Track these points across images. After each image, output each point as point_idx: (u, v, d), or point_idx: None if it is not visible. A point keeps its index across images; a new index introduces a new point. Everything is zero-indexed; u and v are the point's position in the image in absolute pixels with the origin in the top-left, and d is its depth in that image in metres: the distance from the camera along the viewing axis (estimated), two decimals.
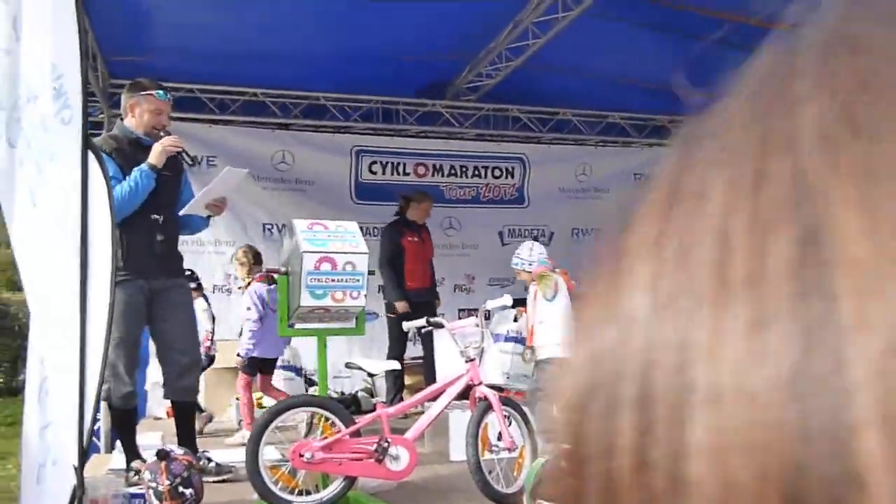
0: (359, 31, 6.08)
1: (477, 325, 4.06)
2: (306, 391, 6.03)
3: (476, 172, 8.48)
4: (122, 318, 4.10)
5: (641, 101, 8.22)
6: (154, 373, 5.72)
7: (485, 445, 3.88)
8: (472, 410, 3.95)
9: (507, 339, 4.89)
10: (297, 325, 3.98)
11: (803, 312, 0.17)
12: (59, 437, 2.97)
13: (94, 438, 5.71)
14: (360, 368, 3.91)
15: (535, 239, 6.63)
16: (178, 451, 3.21)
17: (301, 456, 3.53)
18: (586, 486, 0.21)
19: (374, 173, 8.15)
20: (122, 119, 4.39)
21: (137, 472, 3.82)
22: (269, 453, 3.86)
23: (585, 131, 8.49)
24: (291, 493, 3.62)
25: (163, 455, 3.12)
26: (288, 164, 7.76)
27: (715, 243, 0.19)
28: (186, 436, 4.39)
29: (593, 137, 8.60)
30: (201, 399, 5.87)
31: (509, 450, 3.89)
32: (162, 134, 4.26)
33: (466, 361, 3.97)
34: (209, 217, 4.53)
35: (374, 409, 4.07)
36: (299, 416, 4.13)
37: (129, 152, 4.18)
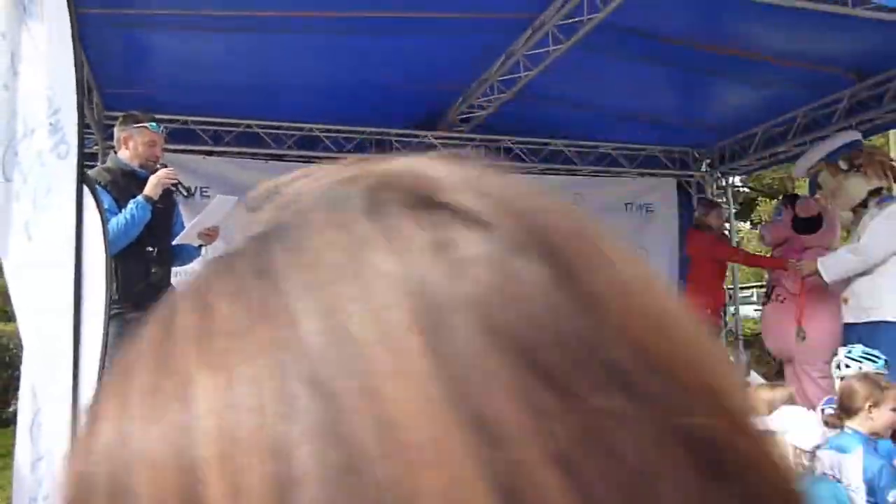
0: (352, 64, 6.15)
1: None
2: None
3: None
4: (115, 352, 4.10)
5: (632, 132, 8.32)
6: None
7: None
8: None
9: None
10: None
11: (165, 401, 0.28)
12: (52, 471, 2.95)
13: None
14: None
15: None
16: None
17: None
18: None
19: None
20: (115, 151, 4.42)
21: None
22: None
23: (576, 162, 8.56)
24: None
25: None
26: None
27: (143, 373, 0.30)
28: None
29: (585, 168, 8.66)
30: None
31: None
32: (158, 166, 4.29)
33: None
34: (201, 246, 4.53)
35: None
36: None
37: (124, 185, 4.20)
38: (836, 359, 4.37)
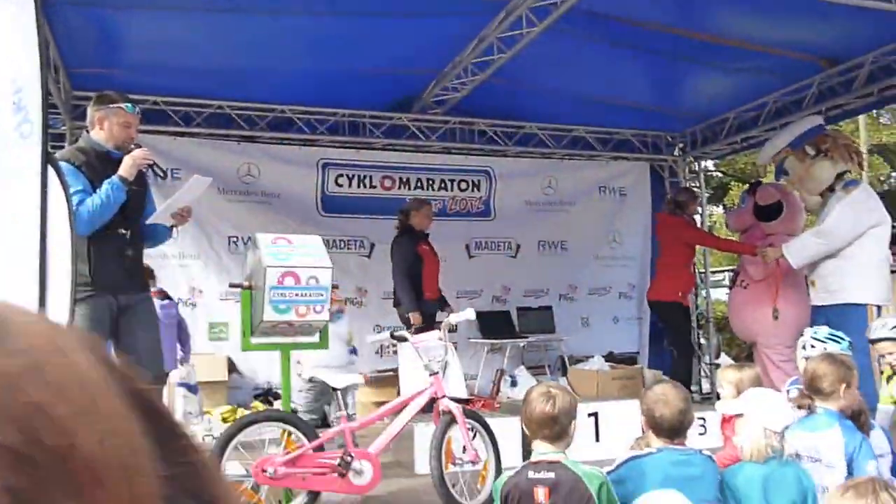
0: (326, 46, 6.10)
1: (440, 339, 4.08)
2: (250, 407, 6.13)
3: (442, 185, 8.53)
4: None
5: (606, 116, 8.34)
6: None
7: (448, 458, 3.90)
8: (435, 424, 3.97)
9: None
10: (262, 340, 3.97)
11: None
12: None
13: None
14: (324, 383, 3.90)
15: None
16: None
17: (264, 471, 3.52)
18: None
19: (341, 186, 8.15)
20: (87, 132, 4.37)
21: None
22: (232, 468, 3.85)
23: (551, 145, 8.58)
24: None
25: None
26: (253, 177, 7.74)
27: None
28: None
29: (559, 151, 8.69)
30: None
31: (473, 462, 3.92)
32: (132, 147, 4.25)
33: (430, 375, 3.99)
34: (173, 227, 4.51)
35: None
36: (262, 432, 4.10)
37: (98, 166, 4.15)
38: (801, 339, 4.44)
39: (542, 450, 2.74)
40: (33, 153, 2.95)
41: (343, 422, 3.78)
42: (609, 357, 7.76)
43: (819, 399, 3.30)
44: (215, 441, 3.69)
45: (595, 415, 5.35)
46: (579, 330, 8.67)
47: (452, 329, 7.77)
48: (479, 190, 8.67)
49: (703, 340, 9.34)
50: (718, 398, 4.24)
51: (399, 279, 6.60)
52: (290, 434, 3.70)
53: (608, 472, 2.86)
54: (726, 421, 4.02)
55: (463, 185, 8.61)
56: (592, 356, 7.31)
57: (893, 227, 5.82)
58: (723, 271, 15.78)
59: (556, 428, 2.70)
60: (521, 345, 8.13)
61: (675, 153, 9.22)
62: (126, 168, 4.12)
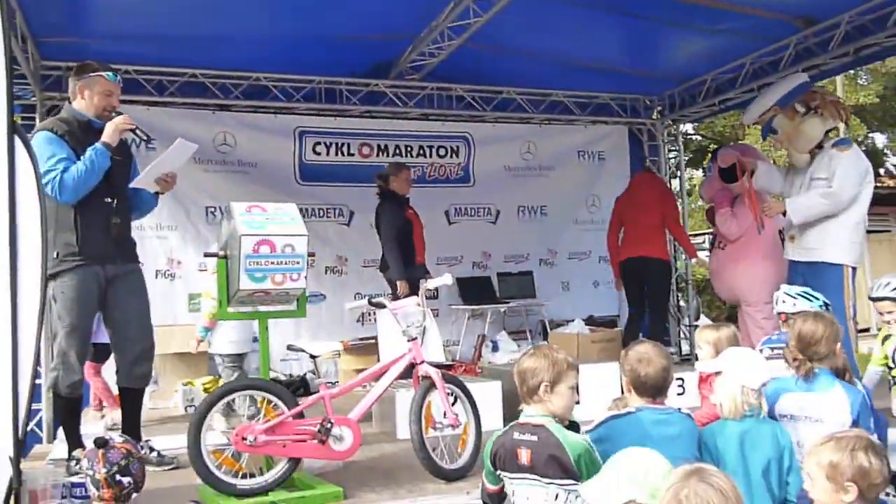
0: (299, 12, 6.00)
1: (418, 305, 4.09)
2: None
3: (421, 152, 8.48)
4: (75, 305, 4.06)
5: (584, 80, 8.30)
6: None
7: (429, 423, 3.93)
8: (415, 389, 3.98)
9: None
10: (238, 309, 3.95)
11: None
12: None
13: (35, 429, 5.63)
14: (302, 350, 3.90)
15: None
16: (116, 439, 3.17)
17: (244, 439, 3.53)
18: None
19: (319, 154, 8.09)
20: (69, 102, 4.35)
21: (79, 460, 3.77)
22: (212, 437, 3.85)
23: (529, 110, 8.54)
24: (235, 476, 3.62)
25: (101, 443, 3.08)
26: (230, 146, 7.66)
27: None
28: (133, 423, 4.36)
29: (537, 116, 8.65)
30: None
31: (453, 426, 3.94)
32: (113, 115, 4.26)
33: (409, 340, 4.00)
34: (157, 194, 4.52)
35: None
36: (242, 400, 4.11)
37: (80, 135, 4.19)
38: (775, 294, 4.48)
39: (530, 412, 2.77)
40: None
41: (323, 388, 3.78)
42: (589, 320, 7.79)
43: (815, 360, 3.30)
44: (195, 411, 3.69)
45: None
46: (560, 294, 8.71)
47: (433, 296, 7.81)
48: (457, 156, 8.63)
49: (682, 303, 9.42)
50: (697, 359, 4.28)
51: (389, 245, 6.56)
52: (269, 402, 3.71)
53: (587, 431, 2.89)
54: (703, 380, 4.07)
55: (441, 152, 8.57)
56: (573, 320, 7.35)
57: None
58: (703, 234, 15.88)
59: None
60: (502, 310, 8.16)
61: (654, 116, 9.20)
62: (109, 134, 4.15)
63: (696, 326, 8.32)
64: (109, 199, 4.20)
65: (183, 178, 6.96)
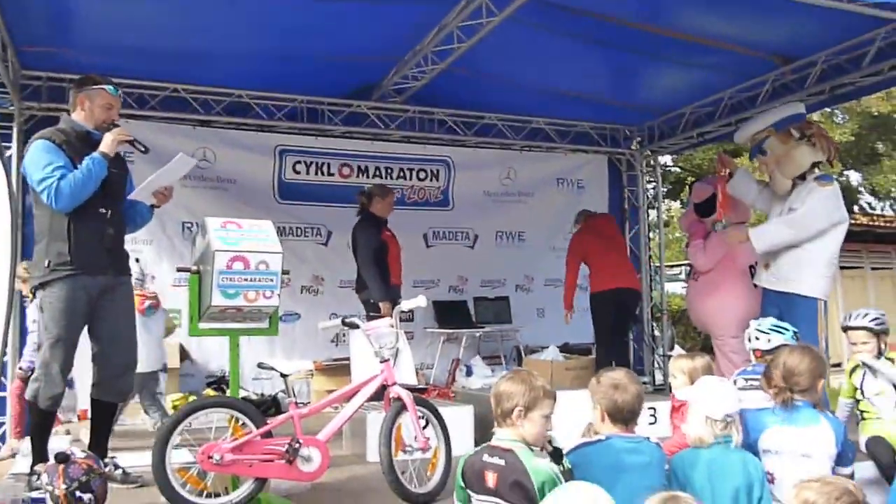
0: (284, 31, 6.02)
1: (392, 326, 4.06)
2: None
3: (401, 174, 8.49)
4: (62, 317, 4.01)
5: (565, 108, 8.37)
6: None
7: (399, 446, 3.88)
8: (386, 411, 3.95)
9: None
10: (210, 325, 3.91)
11: None
12: None
13: None
14: (273, 369, 3.86)
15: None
16: (78, 455, 3.11)
17: (210, 458, 3.47)
18: None
19: (298, 173, 8.07)
20: (68, 113, 4.37)
21: (39, 475, 3.70)
22: (178, 456, 3.78)
23: (510, 136, 8.59)
24: (200, 495, 3.55)
25: (61, 458, 3.02)
26: (209, 162, 7.63)
27: None
28: (102, 439, 4.30)
29: (518, 142, 8.70)
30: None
31: (423, 450, 3.90)
32: (112, 127, 4.27)
33: (381, 362, 3.97)
34: (153, 207, 4.53)
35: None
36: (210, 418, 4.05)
37: (79, 146, 4.18)
38: (747, 331, 4.50)
39: (501, 435, 2.77)
40: None
41: (292, 408, 3.74)
42: (564, 348, 7.81)
43: (796, 393, 3.31)
44: (160, 428, 3.63)
45: None
46: (535, 320, 8.72)
47: (408, 318, 7.79)
48: (437, 179, 8.65)
49: (657, 332, 9.46)
50: (670, 389, 4.29)
51: (366, 266, 6.53)
52: (237, 420, 3.66)
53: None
54: (676, 409, 4.08)
55: (422, 175, 8.59)
56: (548, 346, 7.35)
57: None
58: (679, 265, 16.00)
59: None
60: (478, 335, 8.15)
61: (633, 147, 9.30)
62: (107, 144, 4.16)
63: (670, 356, 8.36)
64: (104, 210, 4.18)
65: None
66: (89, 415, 4.38)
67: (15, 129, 6.45)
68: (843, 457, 3.20)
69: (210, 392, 6.95)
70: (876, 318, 4.38)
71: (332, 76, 7.20)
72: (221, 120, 7.52)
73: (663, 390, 8.00)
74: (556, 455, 2.79)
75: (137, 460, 4.53)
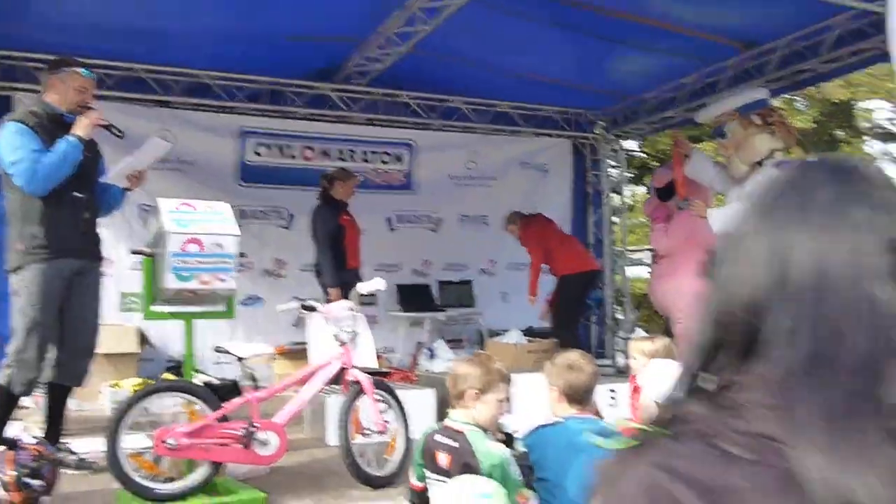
0: (246, 10, 5.92)
1: (350, 309, 4.04)
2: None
3: (364, 157, 8.43)
4: (38, 301, 3.95)
5: (530, 92, 8.36)
6: None
7: (357, 429, 3.88)
8: (344, 394, 3.94)
9: None
10: (165, 309, 3.85)
11: None
12: None
13: None
14: (228, 352, 3.82)
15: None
16: (28, 441, 3.05)
17: (164, 442, 3.43)
18: None
19: (261, 155, 7.97)
20: (42, 94, 4.30)
21: None
22: (133, 441, 3.73)
23: (474, 119, 8.56)
24: (154, 480, 3.51)
25: (10, 444, 2.96)
26: (169, 143, 7.47)
27: None
28: (57, 422, 4.24)
29: (482, 126, 8.68)
30: None
31: (381, 433, 3.90)
32: (85, 111, 4.20)
33: (340, 345, 3.95)
34: (126, 190, 4.47)
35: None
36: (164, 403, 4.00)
37: (52, 128, 4.13)
38: None
39: (454, 416, 2.77)
40: None
41: (249, 392, 3.70)
42: (528, 331, 7.83)
43: None
44: (112, 412, 3.58)
45: None
46: (499, 304, 8.73)
47: (370, 302, 7.75)
48: (400, 163, 8.60)
49: (619, 315, 9.54)
50: (630, 370, 4.33)
51: (322, 251, 6.51)
52: (193, 405, 3.62)
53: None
54: (636, 391, 4.11)
55: (385, 158, 8.53)
56: (510, 330, 7.36)
57: None
58: (642, 250, 16.13)
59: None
60: (441, 318, 8.14)
61: (597, 131, 9.32)
62: (81, 127, 4.12)
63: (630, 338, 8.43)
64: (78, 194, 4.15)
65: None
66: (42, 400, 4.31)
67: None
68: None
69: (168, 376, 6.86)
70: None
71: (295, 57, 7.09)
72: (180, 101, 7.39)
73: (625, 373, 8.07)
74: (508, 440, 2.81)
75: (93, 446, 4.47)
